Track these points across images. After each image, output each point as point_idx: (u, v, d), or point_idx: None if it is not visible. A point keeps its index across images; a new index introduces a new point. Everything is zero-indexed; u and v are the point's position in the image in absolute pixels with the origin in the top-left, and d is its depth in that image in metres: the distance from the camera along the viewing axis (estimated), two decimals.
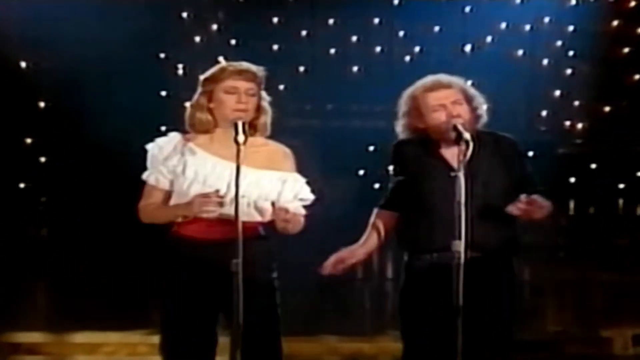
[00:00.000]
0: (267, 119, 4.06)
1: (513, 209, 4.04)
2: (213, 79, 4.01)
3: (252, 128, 3.97)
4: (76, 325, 6.43)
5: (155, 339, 4.13)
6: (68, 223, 10.81)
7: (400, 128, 4.26)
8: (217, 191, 3.82)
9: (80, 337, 6.27)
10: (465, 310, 3.82)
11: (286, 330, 4.05)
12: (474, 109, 4.18)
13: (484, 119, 4.23)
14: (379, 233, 4.31)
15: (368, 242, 4.31)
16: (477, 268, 3.97)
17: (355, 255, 4.29)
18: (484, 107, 4.24)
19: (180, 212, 3.93)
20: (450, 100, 4.13)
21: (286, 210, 3.85)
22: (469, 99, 4.18)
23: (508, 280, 4.19)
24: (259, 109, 4.02)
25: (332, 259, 4.26)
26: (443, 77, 4.22)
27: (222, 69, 4.01)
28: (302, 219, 4.02)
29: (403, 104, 4.24)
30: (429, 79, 4.22)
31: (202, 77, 4.05)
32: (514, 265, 4.23)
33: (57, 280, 8.99)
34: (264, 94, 4.05)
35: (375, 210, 4.33)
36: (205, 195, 3.81)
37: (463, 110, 4.12)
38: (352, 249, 4.30)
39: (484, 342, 4.10)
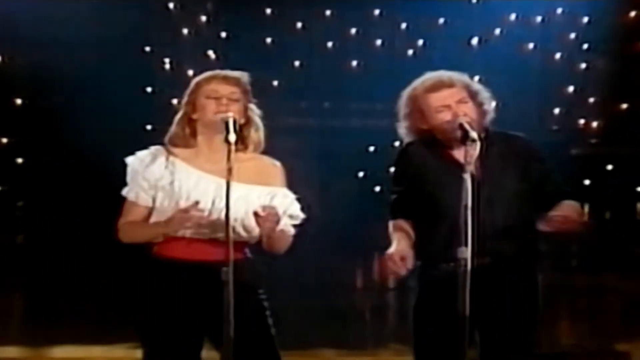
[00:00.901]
0: (259, 132, 4.10)
1: (545, 225, 4.05)
2: (195, 88, 4.07)
3: (242, 143, 4.01)
4: (56, 338, 6.44)
5: (140, 353, 4.14)
6: (47, 229, 10.82)
7: (403, 130, 4.27)
8: (197, 203, 3.84)
9: (61, 352, 6.27)
10: (481, 320, 3.85)
11: (282, 344, 4.07)
12: (479, 105, 4.19)
13: (491, 115, 4.25)
14: (408, 234, 4.23)
15: (404, 240, 4.21)
16: (493, 276, 4.00)
17: (408, 254, 4.15)
18: (491, 102, 4.26)
19: (161, 230, 3.95)
20: (454, 99, 4.14)
21: (276, 212, 3.86)
22: (473, 95, 4.19)
23: (526, 289, 4.20)
24: (248, 122, 4.06)
25: (392, 262, 4.12)
26: (444, 75, 4.22)
27: (202, 78, 4.09)
28: (290, 238, 4.05)
29: (403, 106, 4.25)
30: (429, 78, 4.23)
31: (186, 91, 4.11)
32: (536, 272, 4.23)
33: (35, 290, 9.00)
34: (254, 107, 4.09)
35: (391, 223, 4.31)
36: (185, 210, 3.84)
37: (469, 108, 4.13)
38: (399, 251, 4.16)
39: (501, 353, 4.13)
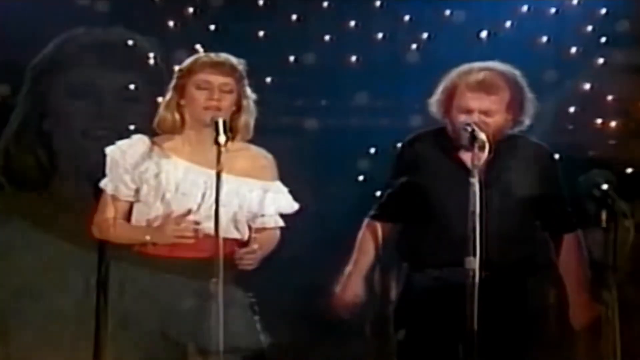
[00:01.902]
0: (249, 119, 4.11)
1: None
2: (186, 72, 4.07)
3: (230, 132, 4.02)
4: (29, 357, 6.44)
5: None
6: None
7: (433, 103, 4.31)
8: (189, 211, 3.86)
9: None
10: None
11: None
12: (515, 115, 4.19)
13: (522, 126, 4.25)
14: (366, 254, 4.36)
15: (358, 269, 4.37)
16: (486, 289, 4.02)
17: (354, 289, 4.36)
18: (531, 117, 4.25)
19: (150, 238, 3.95)
20: (482, 106, 4.15)
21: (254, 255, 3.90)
22: (514, 106, 4.19)
23: (520, 304, 4.23)
24: (240, 109, 4.07)
25: (340, 304, 4.34)
26: (494, 77, 4.20)
27: (195, 61, 4.08)
28: (278, 234, 4.09)
29: (445, 80, 4.27)
30: (480, 71, 4.20)
31: (176, 70, 4.11)
32: (528, 287, 4.25)
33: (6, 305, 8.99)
34: (248, 91, 4.10)
35: (365, 222, 4.37)
36: (177, 222, 3.84)
37: (493, 120, 4.14)
38: (347, 286, 4.36)
39: None
